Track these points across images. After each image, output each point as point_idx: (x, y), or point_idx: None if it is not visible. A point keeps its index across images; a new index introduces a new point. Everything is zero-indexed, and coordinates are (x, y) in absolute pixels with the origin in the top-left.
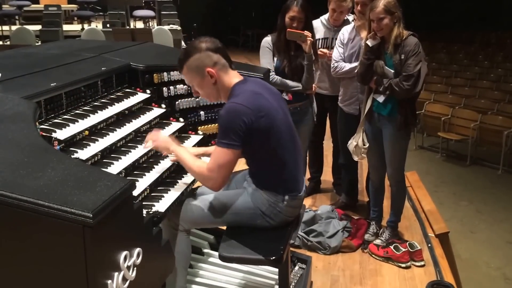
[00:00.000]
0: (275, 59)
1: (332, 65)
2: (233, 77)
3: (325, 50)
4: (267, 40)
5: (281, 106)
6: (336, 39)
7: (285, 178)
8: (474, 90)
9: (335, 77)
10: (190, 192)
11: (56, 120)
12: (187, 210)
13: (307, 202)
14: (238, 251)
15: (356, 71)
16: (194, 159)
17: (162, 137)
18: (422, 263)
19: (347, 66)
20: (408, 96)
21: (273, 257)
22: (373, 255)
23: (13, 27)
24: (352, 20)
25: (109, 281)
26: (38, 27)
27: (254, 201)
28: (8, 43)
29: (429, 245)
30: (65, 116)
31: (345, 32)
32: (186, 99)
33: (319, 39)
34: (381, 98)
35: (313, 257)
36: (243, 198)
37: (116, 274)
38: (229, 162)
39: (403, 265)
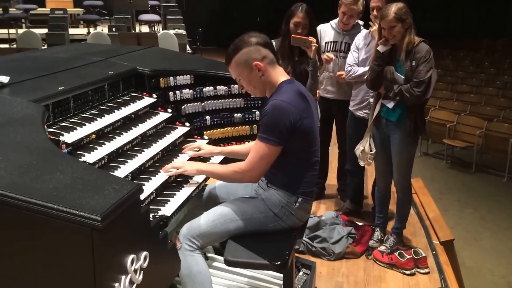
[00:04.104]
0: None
1: (346, 69)
2: (280, 75)
3: (331, 55)
4: None
5: (316, 111)
6: (345, 42)
7: (304, 180)
8: (480, 97)
9: (348, 81)
10: (195, 198)
11: (63, 124)
12: (196, 225)
13: (311, 207)
14: (243, 255)
15: (366, 76)
16: (222, 166)
17: (186, 162)
18: (427, 270)
19: (361, 70)
20: (418, 102)
21: (278, 262)
22: (378, 262)
23: (20, 31)
24: (362, 25)
25: (117, 284)
26: (44, 30)
27: (266, 203)
28: (15, 46)
29: (434, 252)
30: (72, 120)
31: (361, 37)
32: (192, 104)
33: (328, 42)
34: (390, 104)
35: (317, 263)
36: (255, 202)
37: (123, 277)
38: (269, 157)
39: (408, 272)
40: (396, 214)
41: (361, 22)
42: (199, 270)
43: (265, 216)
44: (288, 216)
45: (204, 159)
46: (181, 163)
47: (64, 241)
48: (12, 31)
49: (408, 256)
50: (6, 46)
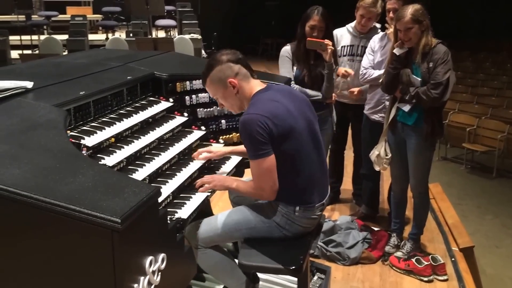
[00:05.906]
0: (295, 68)
1: (361, 72)
2: (255, 86)
3: (349, 70)
4: (287, 49)
5: (304, 113)
6: (362, 46)
7: (299, 188)
8: (502, 100)
9: (363, 83)
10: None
11: (84, 127)
12: (203, 230)
13: (326, 212)
14: (258, 259)
15: (381, 80)
16: (246, 183)
17: (216, 177)
18: (445, 277)
19: (376, 73)
20: (435, 105)
21: (293, 267)
22: (394, 268)
23: (42, 37)
24: (379, 28)
25: (136, 285)
26: (65, 36)
27: (268, 213)
28: (37, 52)
29: (453, 259)
30: (93, 124)
31: (376, 39)
32: (208, 108)
33: (344, 46)
34: (406, 107)
35: (332, 267)
36: (259, 211)
37: (142, 278)
38: (267, 170)
39: (425, 279)
40: (413, 220)
41: (378, 25)
42: (216, 260)
43: (268, 226)
44: (291, 225)
45: (218, 163)
46: (210, 177)
47: (85, 242)
48: (35, 37)
49: (426, 263)
50: (29, 52)
